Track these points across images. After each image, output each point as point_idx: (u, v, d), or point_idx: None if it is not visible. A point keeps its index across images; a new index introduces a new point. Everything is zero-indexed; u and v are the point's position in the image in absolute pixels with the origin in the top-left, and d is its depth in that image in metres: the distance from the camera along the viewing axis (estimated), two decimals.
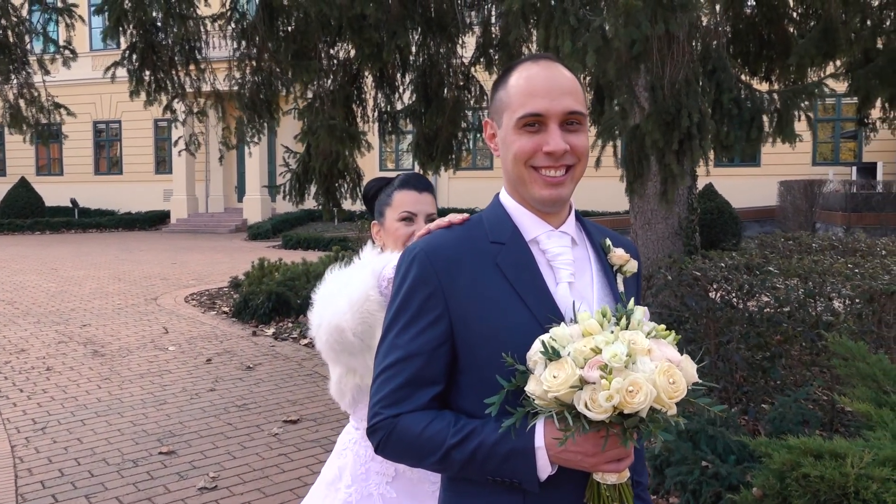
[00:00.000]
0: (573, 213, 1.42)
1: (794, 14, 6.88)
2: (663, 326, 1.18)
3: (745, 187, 18.09)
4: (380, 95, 7.19)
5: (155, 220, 24.82)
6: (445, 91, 6.81)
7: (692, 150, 3.22)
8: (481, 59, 6.81)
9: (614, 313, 1.20)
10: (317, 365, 6.93)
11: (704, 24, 3.73)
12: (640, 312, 1.21)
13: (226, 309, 9.78)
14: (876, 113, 8.32)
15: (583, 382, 1.10)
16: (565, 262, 1.33)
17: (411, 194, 2.03)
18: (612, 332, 1.15)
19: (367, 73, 6.81)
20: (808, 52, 4.97)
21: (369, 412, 1.31)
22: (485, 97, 7.75)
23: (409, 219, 2.01)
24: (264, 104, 7.26)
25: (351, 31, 6.32)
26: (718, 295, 4.91)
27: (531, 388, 1.15)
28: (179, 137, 8.56)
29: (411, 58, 6.71)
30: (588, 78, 9.47)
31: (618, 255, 1.41)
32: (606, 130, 3.83)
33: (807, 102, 3.63)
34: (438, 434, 1.24)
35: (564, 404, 1.12)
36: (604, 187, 20.30)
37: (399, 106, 7.30)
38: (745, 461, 3.54)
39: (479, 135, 7.51)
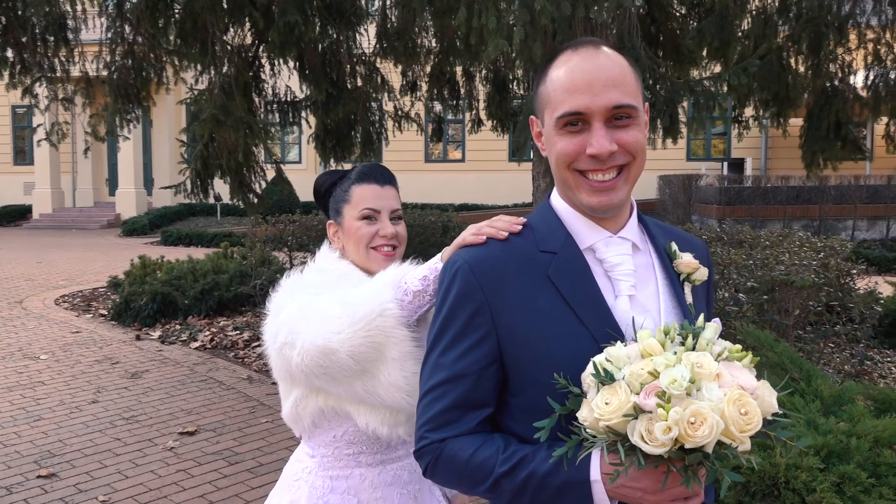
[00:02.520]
0: (635, 214, 1.27)
1: (678, 13, 7.10)
2: (738, 347, 1.03)
3: None
4: (279, 84, 6.82)
5: (14, 216, 22.81)
6: (349, 81, 6.55)
7: None
8: (387, 49, 6.59)
9: (679, 331, 1.06)
10: (211, 369, 6.51)
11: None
12: (711, 330, 1.06)
13: (104, 311, 9.06)
14: (749, 111, 8.81)
15: (638, 411, 0.96)
16: (625, 273, 1.20)
17: (372, 188, 1.80)
18: (676, 353, 1.01)
19: (264, 61, 6.43)
20: (705, 41, 5.09)
21: (416, 433, 1.21)
22: (387, 87, 7.54)
23: (371, 217, 1.79)
24: (134, 91, 6.71)
25: (241, 13, 5.94)
26: None
27: (583, 414, 1.02)
28: (39, 125, 7.78)
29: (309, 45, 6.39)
30: (484, 71, 9.49)
31: (685, 262, 1.26)
32: (525, 122, 3.74)
33: (713, 100, 3.67)
34: (487, 461, 1.12)
35: (618, 434, 0.98)
36: (513, 179, 20.65)
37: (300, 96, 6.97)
38: None
39: (383, 127, 7.30)
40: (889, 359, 6.48)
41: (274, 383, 6.09)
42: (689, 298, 1.25)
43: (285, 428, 5.04)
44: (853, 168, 16.73)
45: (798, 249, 6.14)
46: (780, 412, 1.02)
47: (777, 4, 5.14)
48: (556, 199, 1.27)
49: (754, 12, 5.46)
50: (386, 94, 7.41)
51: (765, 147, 18.70)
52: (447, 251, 1.46)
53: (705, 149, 20.22)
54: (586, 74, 1.14)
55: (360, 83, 6.92)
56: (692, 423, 0.92)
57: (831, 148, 4.63)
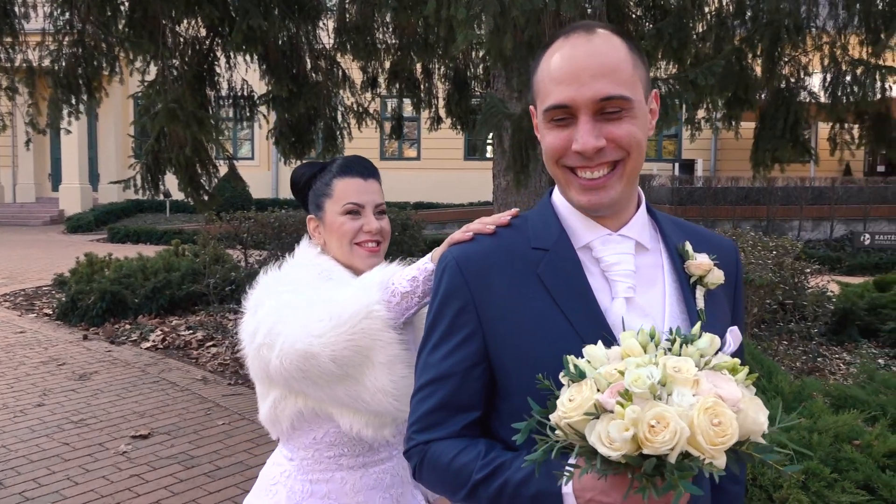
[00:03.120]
0: (641, 211, 1.18)
1: (634, 14, 7.17)
2: (736, 361, 0.95)
3: None
4: (235, 78, 6.67)
5: None
6: (310, 76, 6.43)
7: None
8: (347, 44, 6.50)
9: (669, 336, 0.98)
10: (163, 370, 6.32)
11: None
12: (706, 340, 0.96)
13: (48, 311, 8.73)
14: (701, 112, 8.97)
15: (600, 409, 0.89)
16: (623, 273, 1.12)
17: (355, 182, 1.74)
18: (656, 356, 0.93)
19: (219, 54, 6.26)
20: (662, 42, 5.14)
21: (406, 433, 1.20)
22: (348, 83, 7.44)
23: (355, 212, 1.72)
24: (84, 81, 6.47)
25: (198, 6, 5.77)
26: None
27: (553, 415, 0.95)
28: None
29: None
30: (443, 69, 9.44)
31: (697, 263, 1.16)
32: (490, 120, 3.71)
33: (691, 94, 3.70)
34: (466, 467, 1.08)
35: (580, 435, 0.91)
36: (469, 178, 20.63)
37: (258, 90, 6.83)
38: None
39: (346, 122, 7.20)
40: (838, 355, 6.67)
41: (230, 383, 5.97)
42: (700, 303, 1.14)
43: (243, 430, 4.93)
44: (799, 170, 17.23)
45: (752, 249, 6.27)
46: (777, 426, 0.93)
47: (733, 7, 5.22)
48: (556, 195, 1.21)
49: (710, 15, 5.53)
50: (347, 90, 7.30)
51: (714, 149, 19.11)
52: (437, 251, 1.42)
53: (657, 150, 20.58)
54: (573, 63, 1.07)
55: (320, 78, 6.81)
56: (653, 427, 0.84)
57: (784, 148, 4.71)
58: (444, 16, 3.06)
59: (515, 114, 3.58)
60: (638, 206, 1.18)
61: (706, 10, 5.54)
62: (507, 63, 3.20)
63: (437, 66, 9.03)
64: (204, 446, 4.62)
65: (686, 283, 1.16)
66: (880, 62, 4.63)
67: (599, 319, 1.09)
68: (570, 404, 0.91)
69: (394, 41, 8.21)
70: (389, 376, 1.50)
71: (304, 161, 1.84)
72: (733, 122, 6.13)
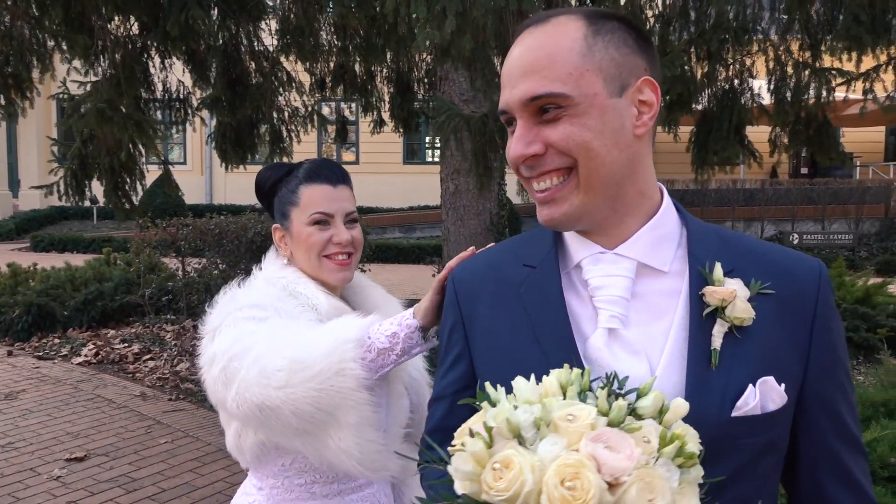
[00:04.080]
0: (652, 225, 0.96)
1: None
2: (680, 435, 0.75)
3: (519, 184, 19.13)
4: (171, 79, 6.39)
5: None
6: (253, 77, 6.21)
7: None
8: (291, 46, 6.31)
9: (604, 381, 0.81)
10: (98, 387, 5.99)
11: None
12: (651, 399, 0.78)
13: None
14: None
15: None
16: (607, 300, 0.94)
17: (323, 189, 1.60)
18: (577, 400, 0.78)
19: (154, 54, 5.98)
20: None
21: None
22: (293, 85, 7.25)
23: (323, 221, 1.59)
24: (13, 80, 6.09)
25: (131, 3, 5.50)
26: None
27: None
28: None
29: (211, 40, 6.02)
30: (385, 71, 9.32)
31: (714, 290, 0.91)
32: (448, 123, 3.62)
33: None
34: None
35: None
36: (409, 181, 20.44)
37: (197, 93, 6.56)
38: None
39: (294, 124, 7.01)
40: None
41: (171, 399, 5.70)
42: (716, 341, 0.90)
43: (187, 448, 4.69)
44: (730, 173, 17.77)
45: None
46: None
47: (678, 9, 5.27)
48: None
49: (654, 17, 5.57)
50: (294, 92, 7.11)
51: None
52: (421, 305, 1.35)
53: None
54: (508, 62, 0.94)
55: (263, 80, 6.59)
56: (495, 470, 0.72)
57: (732, 149, 4.78)
58: (402, 14, 2.95)
59: (475, 116, 3.50)
60: (644, 221, 0.96)
61: (649, 13, 5.59)
62: (469, 64, 3.11)
63: (379, 68, 8.91)
64: (146, 467, 4.37)
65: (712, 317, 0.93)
66: (819, 66, 4.75)
67: (572, 352, 0.93)
68: (458, 438, 0.81)
69: (337, 42, 8.06)
70: (356, 439, 1.37)
71: (262, 166, 1.71)
72: (672, 125, 6.21)
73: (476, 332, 1.04)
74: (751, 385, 0.89)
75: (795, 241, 14.04)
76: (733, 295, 0.91)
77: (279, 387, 1.34)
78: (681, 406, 0.79)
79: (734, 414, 0.88)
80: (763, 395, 0.89)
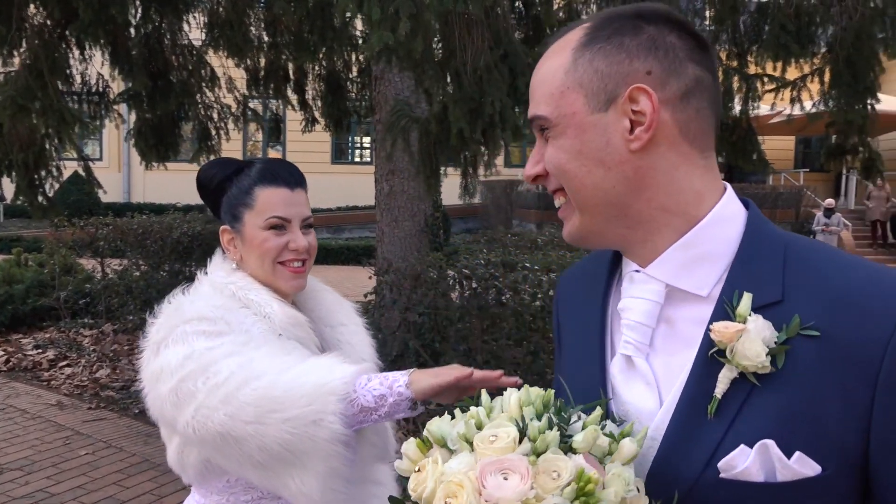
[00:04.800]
0: (684, 242, 0.84)
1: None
2: (596, 476, 0.71)
3: (452, 186, 19.22)
4: (90, 72, 6.09)
5: None
6: (178, 72, 5.98)
7: (494, 140, 3.10)
8: (219, 40, 6.10)
9: (566, 411, 0.78)
10: (9, 396, 5.63)
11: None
12: (583, 437, 0.74)
13: None
14: None
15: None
16: (627, 324, 0.86)
17: (281, 193, 1.51)
18: (526, 422, 0.76)
19: (73, 44, 5.68)
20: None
21: None
22: (217, 82, 7.03)
23: (280, 226, 1.50)
24: None
25: None
26: (481, 291, 4.93)
27: None
28: None
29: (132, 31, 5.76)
30: (317, 69, 9.15)
31: (723, 327, 0.77)
32: (397, 123, 3.56)
33: None
34: None
35: None
36: (337, 182, 20.12)
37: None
38: None
39: (223, 122, 6.79)
40: None
41: (91, 407, 5.41)
42: (719, 388, 0.78)
43: (110, 459, 4.45)
44: None
45: None
46: None
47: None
48: None
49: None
50: (224, 89, 6.89)
51: None
52: (422, 383, 1.30)
53: (521, 156, 21.19)
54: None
55: (188, 75, 6.36)
56: (416, 472, 0.77)
57: None
58: (350, 10, 2.87)
59: (422, 118, 3.45)
60: (677, 237, 0.85)
61: (584, 17, 5.66)
62: (416, 65, 3.06)
63: (312, 65, 8.76)
64: (65, 481, 4.12)
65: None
66: (747, 73, 4.90)
67: (594, 375, 0.89)
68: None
69: (268, 39, 7.87)
70: (320, 486, 1.30)
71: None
72: None
73: (563, 335, 1.02)
74: (743, 444, 0.75)
75: None
76: (736, 335, 0.76)
77: (247, 421, 1.26)
78: (626, 448, 0.75)
79: (723, 475, 0.75)
80: (763, 460, 0.74)
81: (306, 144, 17.85)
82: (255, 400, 1.27)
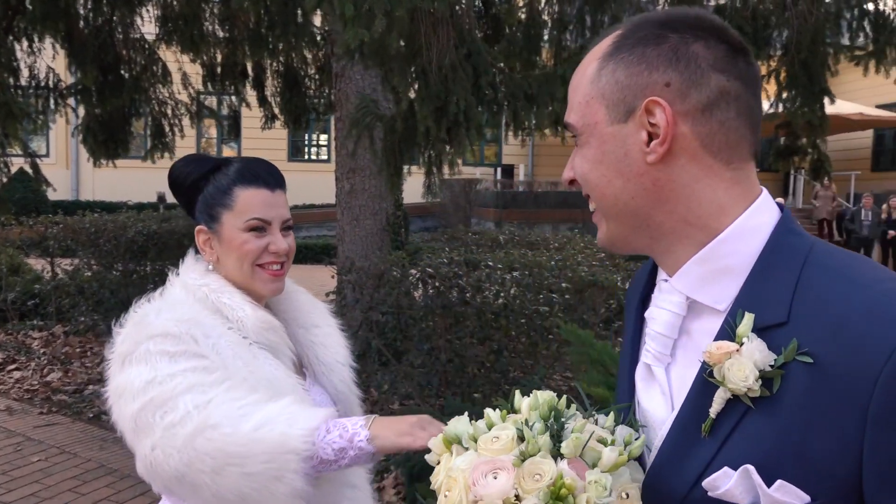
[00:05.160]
0: (701, 257, 0.82)
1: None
2: (572, 483, 0.75)
3: (410, 184, 19.15)
4: (39, 65, 5.90)
5: None
6: (130, 67, 5.83)
7: (459, 138, 3.09)
8: (173, 36, 5.96)
9: (587, 410, 0.84)
10: None
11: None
12: (571, 440, 0.78)
13: None
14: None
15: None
16: (650, 333, 0.88)
17: (262, 194, 1.47)
18: (530, 425, 0.81)
19: (20, 37, 5.49)
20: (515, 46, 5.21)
21: None
22: (168, 77, 6.87)
23: (260, 228, 1.46)
24: None
25: None
26: (445, 290, 4.92)
27: None
28: None
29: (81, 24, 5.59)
30: (274, 65, 9.02)
31: (715, 346, 0.77)
32: (361, 121, 3.51)
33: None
34: None
35: None
36: (294, 179, 19.71)
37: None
38: None
39: (174, 119, 6.64)
40: None
41: (42, 412, 5.24)
42: (714, 408, 0.77)
43: (64, 465, 4.31)
44: None
45: (582, 250, 6.57)
46: None
47: (575, 14, 5.40)
48: None
49: (550, 21, 5.68)
50: (179, 85, 6.74)
51: (531, 154, 20.08)
52: (387, 440, 1.28)
53: (479, 155, 21.26)
54: None
55: (141, 70, 6.21)
56: (438, 463, 0.86)
57: None
58: (322, 9, 2.83)
59: (387, 115, 3.42)
60: (696, 249, 0.83)
61: (545, 17, 5.69)
62: (385, 63, 3.02)
63: (270, 62, 8.64)
64: (17, 489, 3.98)
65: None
66: None
67: (626, 380, 0.93)
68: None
69: (224, 34, 7.74)
70: None
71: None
72: (559, 128, 6.38)
73: (622, 337, 1.03)
74: (727, 467, 0.74)
75: None
76: (725, 357, 0.76)
77: (204, 471, 1.24)
78: (606, 457, 0.77)
79: (710, 494, 0.76)
80: (746, 485, 0.73)
81: (262, 142, 17.60)
82: (212, 451, 1.24)
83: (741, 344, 0.75)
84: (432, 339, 4.71)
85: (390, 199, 6.72)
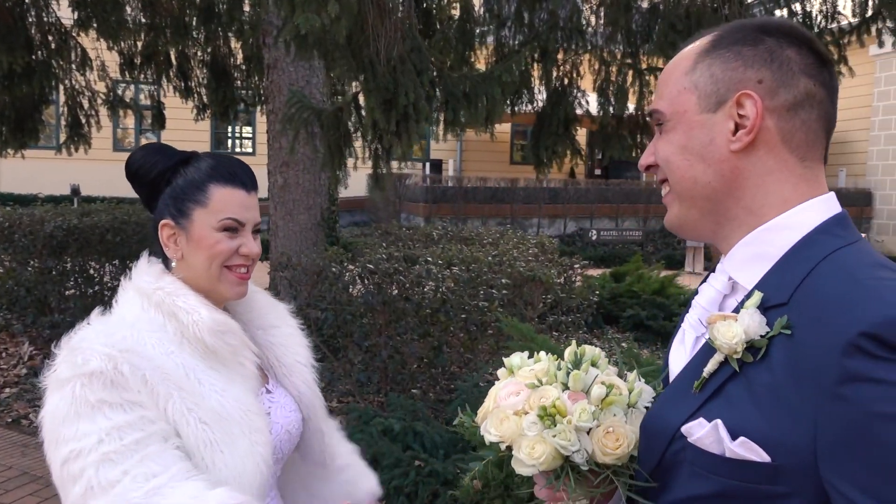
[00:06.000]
0: (746, 241, 0.91)
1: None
2: (563, 405, 0.95)
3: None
4: None
5: None
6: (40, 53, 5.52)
7: (409, 131, 3.05)
8: (91, 21, 5.68)
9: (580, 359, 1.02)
10: None
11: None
12: (573, 378, 0.98)
13: None
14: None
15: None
16: (695, 304, 1.00)
17: (239, 194, 1.41)
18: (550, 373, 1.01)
19: None
20: (449, 44, 5.21)
21: None
22: (88, 63, 6.55)
23: (234, 229, 1.40)
24: None
25: None
26: (388, 287, 4.88)
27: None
28: None
29: None
30: (200, 55, 8.73)
31: (716, 314, 0.88)
32: (298, 115, 3.42)
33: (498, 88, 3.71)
34: None
35: None
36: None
37: None
38: (453, 454, 3.54)
39: (90, 109, 6.33)
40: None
41: None
42: (708, 368, 0.86)
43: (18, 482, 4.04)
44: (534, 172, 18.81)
45: (516, 245, 6.64)
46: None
47: (513, 11, 5.44)
48: None
49: (490, 18, 5.71)
50: (96, 72, 6.43)
51: (460, 150, 20.16)
52: None
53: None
54: None
55: (58, 56, 5.89)
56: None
57: (562, 144, 5.02)
58: None
59: (327, 110, 3.34)
60: (744, 233, 0.93)
61: (486, 15, 5.70)
62: (328, 52, 2.94)
63: (195, 51, 8.36)
64: None
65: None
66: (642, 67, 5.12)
67: (668, 351, 1.05)
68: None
69: (145, 20, 7.43)
70: None
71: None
72: (488, 126, 6.43)
73: None
74: (703, 418, 0.84)
75: (594, 237, 15.19)
76: (720, 318, 0.86)
77: None
78: (595, 392, 0.96)
79: (689, 439, 0.85)
80: (716, 437, 0.83)
81: (185, 133, 17.05)
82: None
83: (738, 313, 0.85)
84: (372, 336, 4.66)
85: (325, 194, 6.62)
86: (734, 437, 0.80)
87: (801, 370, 0.77)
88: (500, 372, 1.06)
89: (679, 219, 0.97)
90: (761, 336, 0.82)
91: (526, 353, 1.05)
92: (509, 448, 0.96)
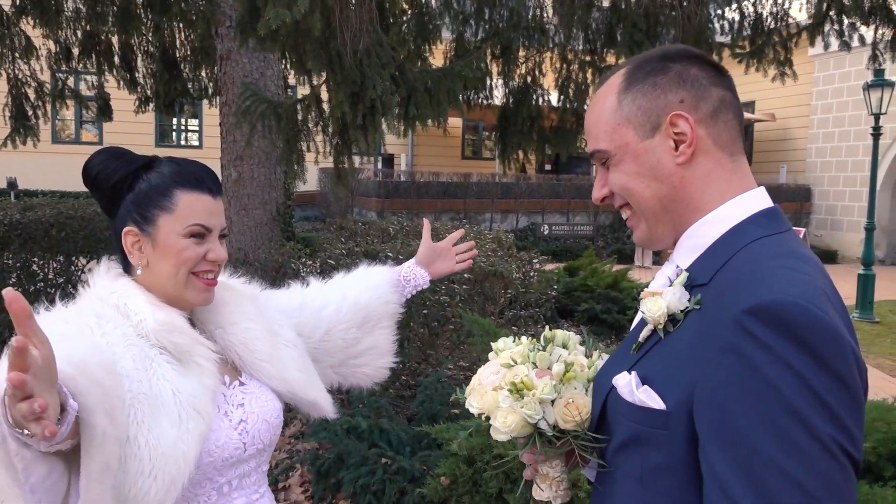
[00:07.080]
0: (687, 234, 1.05)
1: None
2: (528, 381, 1.11)
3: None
4: None
5: None
6: None
7: (375, 125, 3.01)
8: (29, 9, 5.45)
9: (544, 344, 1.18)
10: None
11: None
12: (539, 357, 1.15)
13: None
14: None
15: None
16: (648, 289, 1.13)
17: (205, 200, 1.40)
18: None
19: None
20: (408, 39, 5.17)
21: None
22: (34, 52, 6.29)
23: (201, 235, 1.39)
24: None
25: None
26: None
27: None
28: None
29: None
30: (143, 46, 8.46)
31: (647, 290, 1.05)
32: (253, 109, 3.33)
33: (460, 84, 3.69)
34: None
35: None
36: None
37: None
38: (419, 451, 3.51)
39: (37, 101, 6.07)
40: None
41: None
42: (642, 335, 1.03)
43: None
44: (489, 167, 18.90)
45: (473, 239, 6.63)
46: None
47: (474, 9, 5.42)
48: None
49: (450, 15, 5.68)
50: (41, 62, 6.17)
51: (411, 145, 20.11)
52: None
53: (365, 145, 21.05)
54: None
55: None
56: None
57: (528, 141, 5.04)
58: None
59: (285, 104, 3.27)
60: (692, 231, 1.08)
61: (442, 10, 5.67)
62: (293, 47, 2.87)
63: (139, 41, 8.10)
64: None
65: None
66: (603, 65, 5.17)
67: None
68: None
69: (85, 9, 7.17)
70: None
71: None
72: (441, 121, 6.41)
73: None
74: (626, 372, 1.00)
75: (546, 232, 15.34)
76: (649, 295, 1.02)
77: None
78: (555, 368, 1.10)
79: (617, 389, 1.01)
80: (630, 386, 0.99)
81: (129, 125, 16.55)
82: None
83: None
84: None
85: (280, 189, 6.51)
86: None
87: (701, 337, 0.92)
88: (490, 354, 1.20)
89: (648, 234, 1.10)
90: (681, 311, 0.98)
91: (511, 338, 1.20)
92: (488, 419, 1.12)
